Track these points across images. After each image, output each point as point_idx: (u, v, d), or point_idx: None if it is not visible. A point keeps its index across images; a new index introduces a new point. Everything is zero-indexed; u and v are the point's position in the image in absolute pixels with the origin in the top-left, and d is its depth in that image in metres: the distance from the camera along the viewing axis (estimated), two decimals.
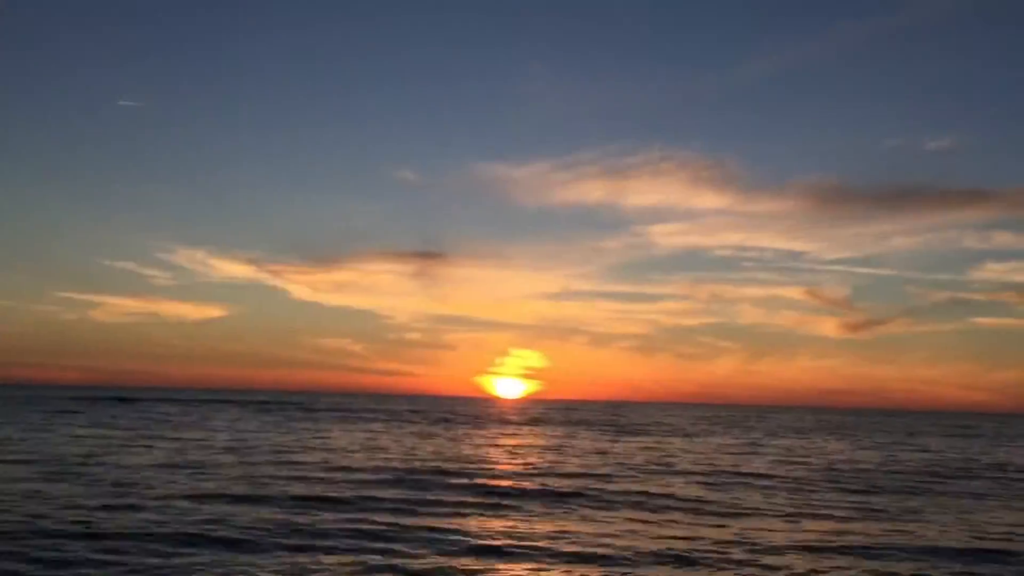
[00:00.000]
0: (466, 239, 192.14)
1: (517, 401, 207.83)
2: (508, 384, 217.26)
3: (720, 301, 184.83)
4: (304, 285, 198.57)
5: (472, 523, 15.61)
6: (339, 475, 22.28)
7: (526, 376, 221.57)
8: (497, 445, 36.57)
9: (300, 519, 15.20)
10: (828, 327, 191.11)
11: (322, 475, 22.12)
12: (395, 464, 25.59)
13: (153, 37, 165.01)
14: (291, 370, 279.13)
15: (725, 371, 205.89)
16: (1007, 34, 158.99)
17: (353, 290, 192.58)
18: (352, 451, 30.47)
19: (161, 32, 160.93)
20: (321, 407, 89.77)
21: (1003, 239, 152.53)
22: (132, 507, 15.91)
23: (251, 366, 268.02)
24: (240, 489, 18.79)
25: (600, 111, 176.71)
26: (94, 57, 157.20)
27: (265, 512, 15.82)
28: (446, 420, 64.25)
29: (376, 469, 24.05)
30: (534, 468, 26.04)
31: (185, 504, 16.48)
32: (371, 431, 44.32)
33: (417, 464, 25.78)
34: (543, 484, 21.68)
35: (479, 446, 35.55)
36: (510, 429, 53.12)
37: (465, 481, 21.71)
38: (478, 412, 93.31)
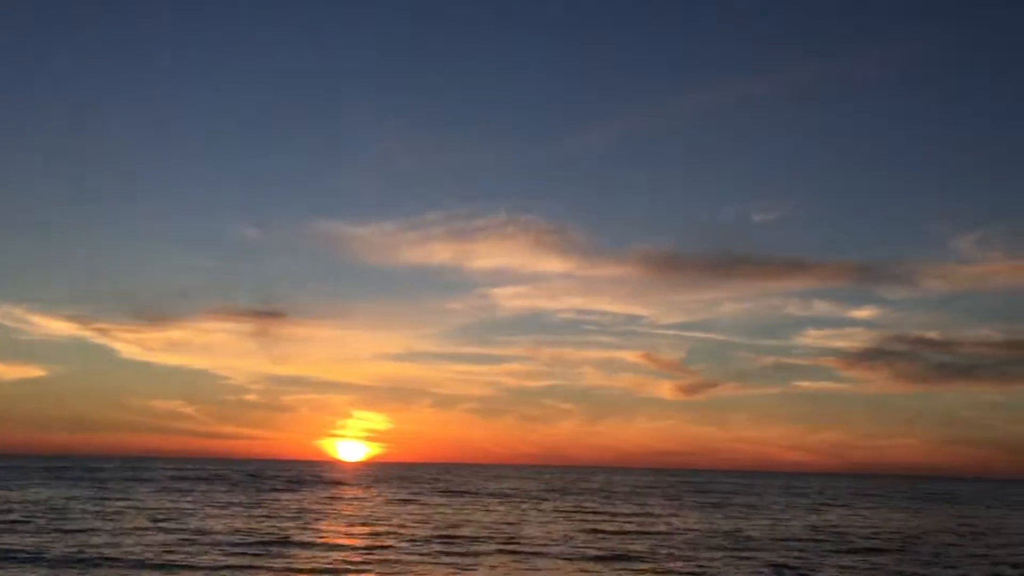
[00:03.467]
0: (308, 298, 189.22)
1: (357, 464, 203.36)
2: (350, 447, 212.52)
3: (562, 364, 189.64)
4: (133, 344, 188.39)
5: None
6: None
7: (369, 439, 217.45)
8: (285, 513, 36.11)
9: None
10: (664, 390, 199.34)
11: None
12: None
13: None
14: (118, 434, 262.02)
15: (566, 433, 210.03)
16: (829, 112, 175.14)
17: (187, 349, 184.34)
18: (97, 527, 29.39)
19: None
20: (121, 474, 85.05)
21: (822, 307, 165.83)
22: None
23: (73, 430, 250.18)
24: None
25: (448, 173, 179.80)
26: None
27: None
28: (245, 483, 62.43)
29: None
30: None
31: None
32: (155, 499, 42.53)
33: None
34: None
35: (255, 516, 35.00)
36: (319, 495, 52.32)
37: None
38: (301, 476, 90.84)
